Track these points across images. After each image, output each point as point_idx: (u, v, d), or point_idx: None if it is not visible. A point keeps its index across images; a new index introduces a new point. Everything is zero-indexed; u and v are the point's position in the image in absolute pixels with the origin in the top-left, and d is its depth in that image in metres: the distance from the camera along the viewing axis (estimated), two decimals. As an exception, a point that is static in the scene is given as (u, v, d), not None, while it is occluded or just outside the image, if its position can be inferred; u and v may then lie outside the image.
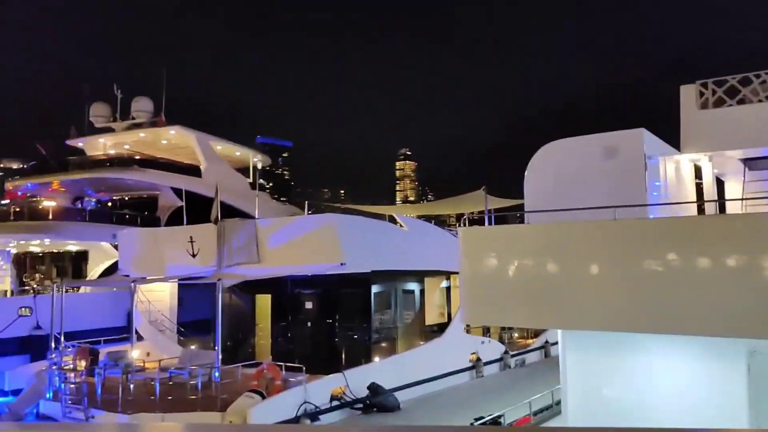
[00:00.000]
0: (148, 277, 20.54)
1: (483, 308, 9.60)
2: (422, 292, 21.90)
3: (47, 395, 17.79)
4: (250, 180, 39.95)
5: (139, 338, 22.45)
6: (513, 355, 23.52)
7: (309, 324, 20.49)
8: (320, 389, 15.88)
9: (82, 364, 19.40)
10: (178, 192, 33.09)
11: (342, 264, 16.98)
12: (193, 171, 34.73)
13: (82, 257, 31.36)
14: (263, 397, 15.00)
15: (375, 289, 19.69)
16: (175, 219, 30.18)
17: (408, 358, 19.23)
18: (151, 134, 34.80)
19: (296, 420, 14.94)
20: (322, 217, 18.18)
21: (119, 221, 29.89)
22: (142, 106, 35.23)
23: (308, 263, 17.61)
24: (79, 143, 36.51)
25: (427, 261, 20.43)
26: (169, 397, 16.04)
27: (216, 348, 16.37)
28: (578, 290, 8.97)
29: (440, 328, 21.98)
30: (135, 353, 20.46)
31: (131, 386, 16.76)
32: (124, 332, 26.31)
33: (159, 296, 23.03)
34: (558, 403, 14.46)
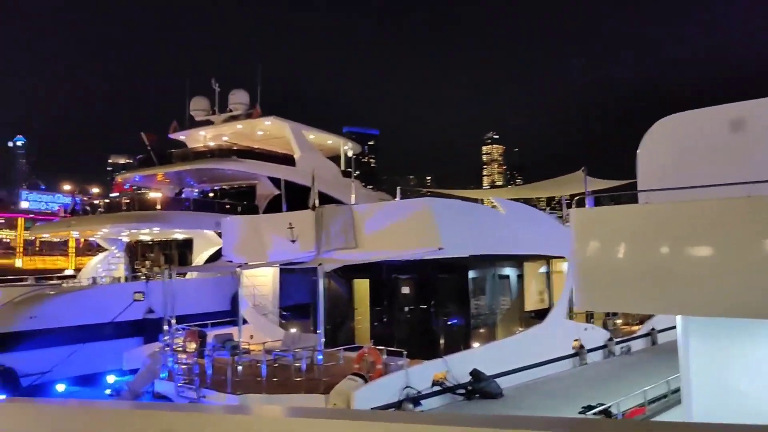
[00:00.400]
0: (251, 263, 21.20)
1: (598, 293, 9.13)
2: (520, 277, 21.39)
3: (162, 375, 18.79)
4: (342, 168, 40.53)
5: (244, 322, 23.33)
6: (618, 342, 22.58)
7: (406, 309, 20.51)
8: (421, 374, 15.83)
9: (192, 346, 20.38)
10: (274, 181, 34.09)
11: (439, 248, 16.78)
12: (288, 160, 35.60)
13: (187, 245, 32.93)
14: (366, 381, 15.12)
15: (473, 274, 19.42)
16: (272, 207, 31.10)
17: (509, 345, 18.86)
18: (247, 125, 35.93)
19: (398, 404, 14.99)
20: (419, 200, 17.99)
21: (221, 210, 31.13)
22: (238, 99, 36.39)
23: (405, 248, 17.52)
24: (180, 136, 38.26)
25: (526, 245, 19.88)
26: (275, 379, 16.52)
27: (318, 331, 16.65)
28: (704, 273, 8.36)
29: (540, 315, 21.42)
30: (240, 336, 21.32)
31: (239, 368, 17.34)
32: (228, 316, 27.47)
33: (262, 281, 23.76)
34: (674, 391, 13.72)
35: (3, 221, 46.17)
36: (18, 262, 42.65)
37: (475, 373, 16.41)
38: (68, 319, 23.34)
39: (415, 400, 15.37)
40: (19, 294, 23.73)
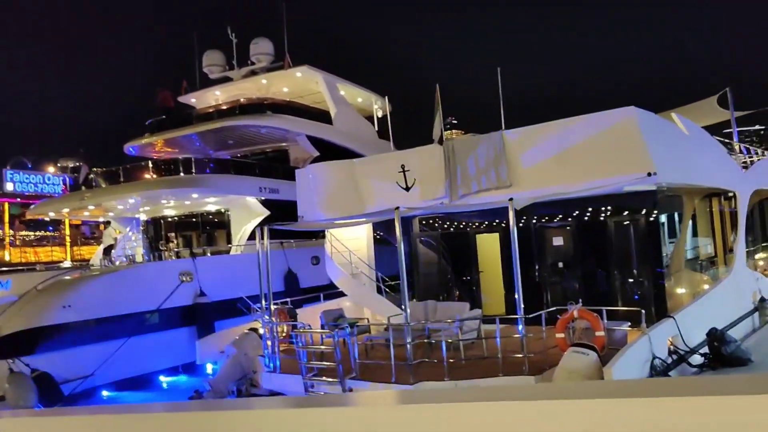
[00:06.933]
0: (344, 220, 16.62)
1: None
2: (694, 217, 17.33)
3: (267, 365, 14.16)
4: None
5: (340, 295, 18.72)
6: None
7: (560, 266, 16.26)
8: (661, 339, 11.61)
9: (284, 328, 15.73)
10: (312, 141, 29.37)
11: (650, 175, 12.44)
12: (325, 117, 30.82)
13: (218, 222, 27.78)
14: (598, 354, 10.84)
15: (663, 214, 15.24)
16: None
17: (713, 301, 14.67)
18: (273, 79, 30.91)
19: (652, 382, 10.75)
20: (616, 111, 13.47)
21: (263, 174, 26.22)
22: (261, 49, 31.37)
23: (593, 177, 13.07)
24: (191, 99, 33.04)
25: (712, 177, 15.81)
26: (451, 360, 12.04)
27: (517, 296, 12.12)
28: None
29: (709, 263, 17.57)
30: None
31: (399, 351, 12.79)
32: (282, 297, 22.56)
33: (354, 245, 19.07)
34: None
35: (-19, 207, 38.87)
36: (6, 255, 36.38)
37: (718, 335, 12.27)
38: (108, 307, 18.31)
39: (663, 373, 11.18)
40: (40, 281, 18.54)
